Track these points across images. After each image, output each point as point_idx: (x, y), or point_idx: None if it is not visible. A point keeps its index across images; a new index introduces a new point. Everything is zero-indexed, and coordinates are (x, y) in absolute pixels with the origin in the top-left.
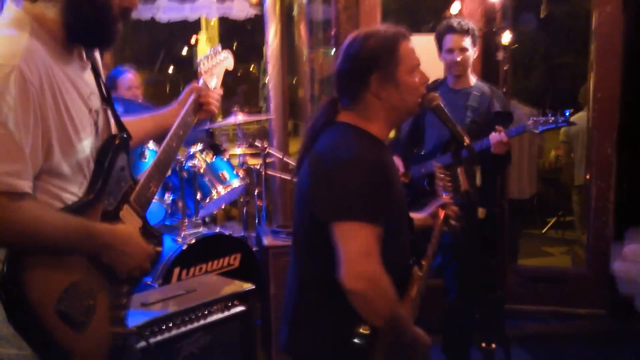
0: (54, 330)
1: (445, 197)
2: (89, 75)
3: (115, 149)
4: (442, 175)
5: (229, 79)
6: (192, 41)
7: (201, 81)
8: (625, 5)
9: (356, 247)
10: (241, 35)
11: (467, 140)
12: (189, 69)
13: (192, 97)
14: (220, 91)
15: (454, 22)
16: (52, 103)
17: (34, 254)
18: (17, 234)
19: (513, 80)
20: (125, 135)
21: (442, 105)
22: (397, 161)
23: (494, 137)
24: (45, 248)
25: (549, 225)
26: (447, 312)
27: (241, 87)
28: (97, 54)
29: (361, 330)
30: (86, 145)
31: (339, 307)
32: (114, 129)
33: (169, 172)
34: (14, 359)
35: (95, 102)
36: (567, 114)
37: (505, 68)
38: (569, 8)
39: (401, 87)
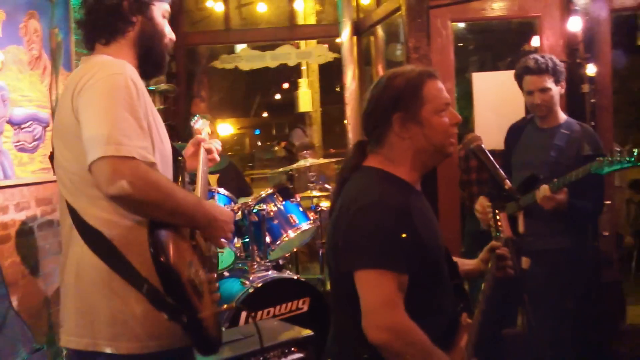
0: (191, 295)
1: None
2: None
3: (181, 166)
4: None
5: None
6: (285, 86)
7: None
8: None
9: (376, 297)
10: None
11: (508, 184)
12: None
13: (202, 147)
14: (219, 143)
15: (531, 62)
16: (146, 110)
17: (165, 226)
18: (158, 193)
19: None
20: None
21: (482, 146)
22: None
23: (540, 191)
24: (175, 213)
25: None
26: None
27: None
28: None
29: None
30: (168, 151)
31: None
32: None
33: (240, 216)
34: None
35: None
36: (635, 152)
37: (592, 101)
38: None
39: (426, 127)
